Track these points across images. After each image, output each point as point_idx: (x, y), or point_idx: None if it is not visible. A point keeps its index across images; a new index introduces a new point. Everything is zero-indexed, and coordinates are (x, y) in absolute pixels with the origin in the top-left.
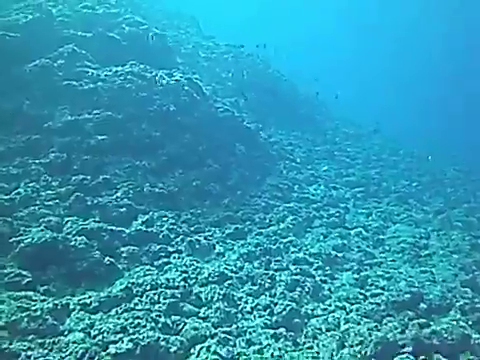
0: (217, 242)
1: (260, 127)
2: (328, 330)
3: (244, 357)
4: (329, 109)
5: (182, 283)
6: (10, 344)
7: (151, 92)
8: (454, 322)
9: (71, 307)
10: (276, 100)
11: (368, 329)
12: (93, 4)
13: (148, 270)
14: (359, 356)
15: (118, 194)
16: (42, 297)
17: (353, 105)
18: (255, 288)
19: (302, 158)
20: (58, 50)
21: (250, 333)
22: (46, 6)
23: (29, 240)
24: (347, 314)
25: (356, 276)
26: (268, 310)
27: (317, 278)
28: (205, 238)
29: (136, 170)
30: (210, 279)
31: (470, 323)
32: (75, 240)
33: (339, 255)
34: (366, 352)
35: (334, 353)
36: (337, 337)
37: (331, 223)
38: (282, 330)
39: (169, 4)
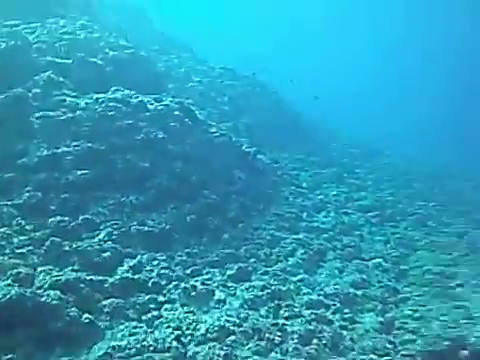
0: (217, 287)
1: (261, 151)
2: None
3: None
4: (335, 130)
5: (174, 343)
6: None
7: (137, 119)
8: None
9: None
10: (278, 123)
11: None
12: (74, 29)
13: (135, 328)
14: None
15: (101, 236)
16: None
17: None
18: (263, 344)
19: (308, 182)
20: (33, 78)
21: None
22: (22, 33)
23: None
24: None
25: (381, 319)
26: None
27: (336, 324)
28: (203, 283)
29: (122, 207)
30: (209, 336)
31: None
32: (47, 295)
33: (359, 293)
34: None
35: None
36: None
37: (346, 255)
38: None
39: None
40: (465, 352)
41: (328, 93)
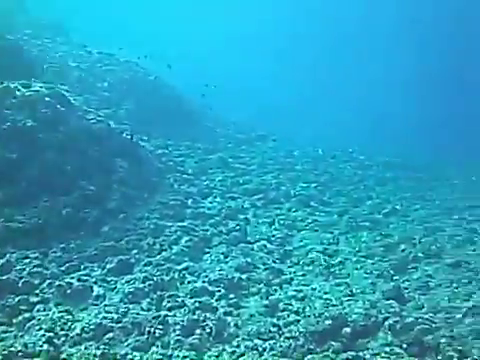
0: (95, 282)
1: (144, 138)
2: None
3: None
4: (220, 115)
5: (46, 347)
6: None
7: (1, 106)
8: (387, 348)
9: None
10: (163, 109)
11: None
12: None
13: (4, 332)
14: None
15: None
16: None
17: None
18: (143, 339)
19: (194, 169)
20: None
21: None
22: None
23: None
24: (260, 356)
25: (266, 302)
26: None
27: (220, 311)
28: (79, 279)
29: None
30: (84, 335)
31: (405, 346)
32: None
33: (243, 277)
34: None
35: None
36: None
37: (231, 239)
38: None
39: None
40: (347, 330)
41: (219, 79)
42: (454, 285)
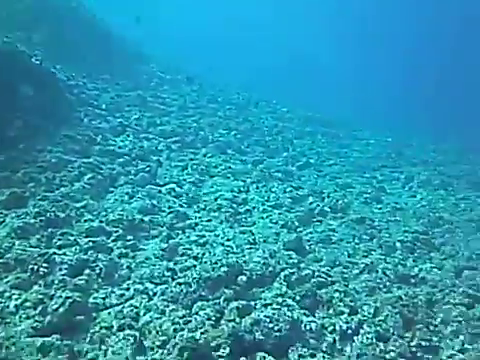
0: None
1: (58, 67)
2: (122, 328)
3: None
4: (152, 55)
5: None
6: None
7: None
8: (280, 299)
9: None
10: (85, 41)
11: (173, 323)
12: None
13: None
14: None
15: None
16: None
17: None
18: (25, 276)
19: (109, 104)
20: None
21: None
22: None
23: None
24: (149, 301)
25: (165, 245)
26: (40, 307)
27: (115, 252)
28: None
29: None
30: None
31: (298, 298)
32: None
33: (145, 219)
34: None
35: None
36: (132, 338)
37: (139, 180)
38: (54, 339)
39: None
40: (243, 278)
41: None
42: (355, 241)
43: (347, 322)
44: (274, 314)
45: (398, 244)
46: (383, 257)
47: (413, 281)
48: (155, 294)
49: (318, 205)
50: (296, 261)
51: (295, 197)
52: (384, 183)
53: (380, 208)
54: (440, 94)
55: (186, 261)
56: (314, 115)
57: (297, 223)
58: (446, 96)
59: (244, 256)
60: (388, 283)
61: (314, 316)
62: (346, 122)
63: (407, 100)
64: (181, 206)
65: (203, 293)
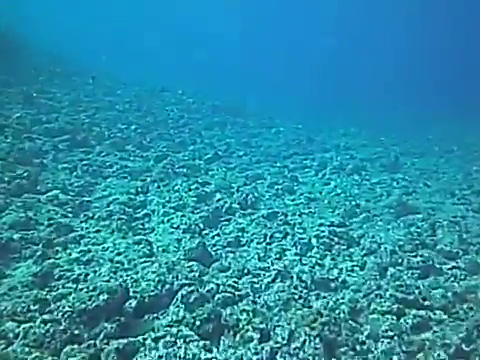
0: None
1: None
2: None
3: None
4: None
5: None
6: None
7: None
8: (174, 329)
9: None
10: None
11: None
12: None
13: None
14: None
15: None
16: None
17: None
18: None
19: None
20: None
21: None
22: None
23: None
24: (7, 347)
25: (37, 268)
26: None
27: None
28: None
29: None
30: None
31: (197, 324)
32: None
33: (16, 237)
34: None
35: None
36: None
37: (14, 189)
38: None
39: None
40: (132, 303)
41: None
42: (267, 241)
43: (257, 353)
44: (167, 354)
45: (314, 240)
46: (298, 258)
47: (333, 286)
48: (17, 336)
49: (226, 202)
50: (198, 274)
51: (200, 195)
52: (296, 172)
53: (293, 200)
54: (351, 79)
55: (63, 287)
56: (223, 104)
57: (202, 225)
58: (361, 81)
59: (136, 273)
60: (304, 291)
61: (217, 348)
62: (256, 111)
63: (320, 87)
64: (64, 216)
65: (76, 331)
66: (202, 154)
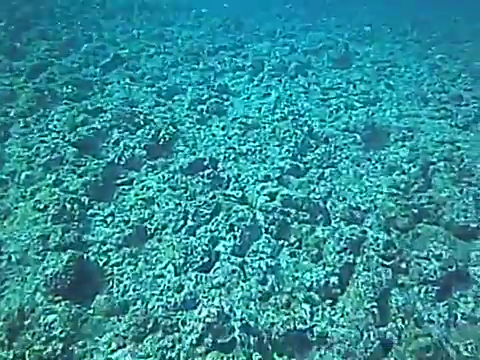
0: None
1: None
2: None
3: None
4: None
5: None
6: None
7: None
8: None
9: None
10: None
11: None
12: None
13: None
14: None
15: None
16: None
17: None
18: None
19: None
20: None
21: None
22: None
23: None
24: None
25: None
26: None
27: None
28: None
29: None
30: None
31: None
32: None
33: None
34: None
35: None
36: None
37: None
38: None
39: None
40: None
41: None
42: (185, 228)
43: None
44: None
45: (261, 219)
46: (239, 269)
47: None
48: None
49: (127, 148)
50: None
51: (87, 138)
52: (225, 76)
53: (223, 129)
54: None
55: None
56: None
57: (85, 199)
58: None
59: None
60: None
61: None
62: None
63: None
64: None
65: None
66: (98, 57)
